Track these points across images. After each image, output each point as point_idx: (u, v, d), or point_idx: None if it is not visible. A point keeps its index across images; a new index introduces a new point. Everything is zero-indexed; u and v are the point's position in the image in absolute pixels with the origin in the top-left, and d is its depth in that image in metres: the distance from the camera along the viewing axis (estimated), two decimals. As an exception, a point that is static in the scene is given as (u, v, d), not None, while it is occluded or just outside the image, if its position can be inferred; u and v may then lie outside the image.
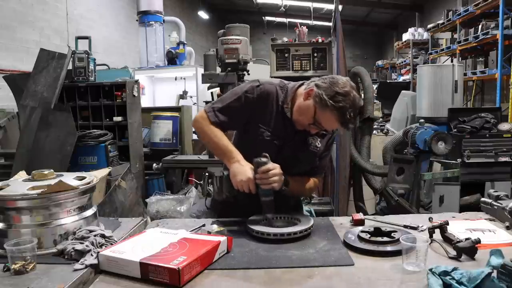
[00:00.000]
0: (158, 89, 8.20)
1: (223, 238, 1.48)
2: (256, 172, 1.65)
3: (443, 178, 4.07)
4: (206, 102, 4.77)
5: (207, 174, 4.33)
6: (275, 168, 1.65)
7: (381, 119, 6.28)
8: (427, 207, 4.28)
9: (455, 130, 4.50)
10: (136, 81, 4.88)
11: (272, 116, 1.78)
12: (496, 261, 1.16)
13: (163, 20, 7.98)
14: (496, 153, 4.26)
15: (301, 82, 1.82)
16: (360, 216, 1.81)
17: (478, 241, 1.40)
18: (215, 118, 1.77)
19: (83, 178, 1.60)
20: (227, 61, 4.04)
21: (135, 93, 4.74)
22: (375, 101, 4.86)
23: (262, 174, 1.64)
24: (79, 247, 1.40)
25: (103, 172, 1.97)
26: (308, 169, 1.89)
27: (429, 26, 11.17)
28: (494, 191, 1.86)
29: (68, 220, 1.50)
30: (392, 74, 15.75)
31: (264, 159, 1.65)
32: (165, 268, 1.25)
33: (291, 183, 1.75)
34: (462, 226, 1.68)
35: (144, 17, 7.76)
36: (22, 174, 1.77)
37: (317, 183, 1.96)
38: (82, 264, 1.33)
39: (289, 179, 1.74)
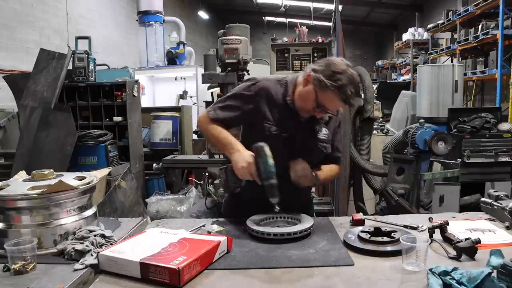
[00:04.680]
0: (158, 89, 8.21)
1: (223, 238, 1.48)
2: (257, 157, 1.68)
3: (443, 178, 4.06)
4: (206, 102, 4.77)
5: (207, 174, 4.32)
6: (302, 164, 1.73)
7: (381, 119, 6.28)
8: (427, 207, 4.27)
9: (455, 130, 4.49)
10: (136, 81, 4.88)
11: (275, 110, 1.82)
12: (496, 261, 1.16)
13: (163, 20, 7.97)
14: (496, 153, 4.26)
15: (298, 74, 1.88)
16: (360, 216, 1.82)
17: (478, 241, 1.40)
18: (215, 116, 1.86)
19: (83, 178, 1.60)
20: (227, 61, 4.04)
21: (135, 93, 4.74)
22: (375, 101, 4.85)
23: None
24: (79, 247, 1.40)
25: (103, 172, 1.97)
26: (323, 157, 1.91)
27: (429, 26, 11.15)
28: (494, 191, 1.86)
29: (68, 220, 1.50)
30: (392, 74, 15.73)
31: (261, 143, 1.68)
32: (165, 268, 1.25)
33: (320, 175, 1.82)
34: (462, 226, 1.68)
35: (144, 17, 7.76)
36: (22, 174, 1.77)
37: (340, 169, 2.01)
38: (82, 264, 1.33)
39: (317, 172, 1.80)
